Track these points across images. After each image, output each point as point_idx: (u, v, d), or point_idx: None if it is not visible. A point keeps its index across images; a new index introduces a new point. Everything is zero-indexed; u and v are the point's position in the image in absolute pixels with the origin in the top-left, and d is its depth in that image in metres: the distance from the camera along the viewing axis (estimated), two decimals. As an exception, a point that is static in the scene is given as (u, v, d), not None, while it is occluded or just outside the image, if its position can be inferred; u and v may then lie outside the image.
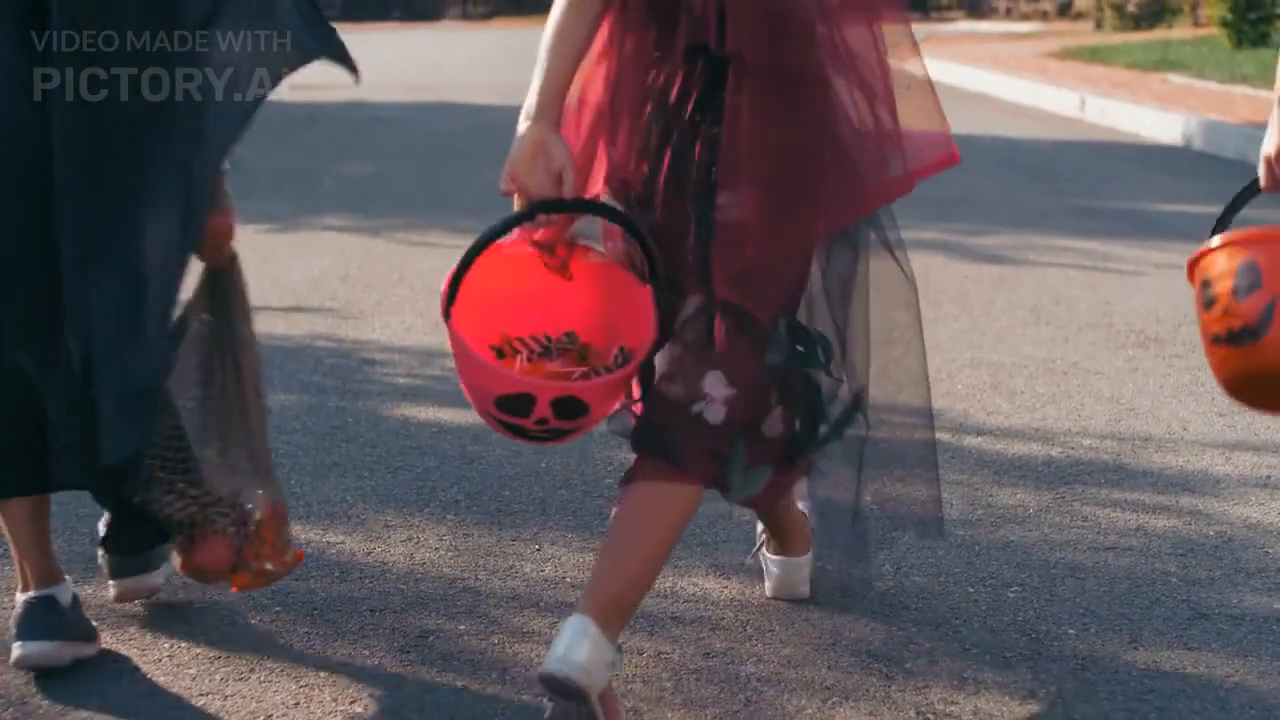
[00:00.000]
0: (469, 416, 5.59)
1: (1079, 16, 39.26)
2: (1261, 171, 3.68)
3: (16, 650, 3.60)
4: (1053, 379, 6.18)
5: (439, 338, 6.68)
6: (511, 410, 3.43)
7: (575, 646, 3.13)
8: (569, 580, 4.14)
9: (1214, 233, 3.51)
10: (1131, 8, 36.03)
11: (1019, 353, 6.59)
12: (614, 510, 3.42)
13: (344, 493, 4.81)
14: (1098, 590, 4.10)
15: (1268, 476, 5.00)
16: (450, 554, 4.33)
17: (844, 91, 3.36)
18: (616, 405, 3.57)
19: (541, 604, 4.01)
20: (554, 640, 3.16)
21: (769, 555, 4.09)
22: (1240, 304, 3.30)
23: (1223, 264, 3.38)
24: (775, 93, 3.30)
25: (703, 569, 4.22)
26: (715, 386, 3.32)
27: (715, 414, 3.32)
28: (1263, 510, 4.69)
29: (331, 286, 7.86)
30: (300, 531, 4.46)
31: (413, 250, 8.85)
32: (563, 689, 3.13)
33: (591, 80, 3.44)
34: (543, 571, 4.21)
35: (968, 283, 8.02)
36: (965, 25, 44.04)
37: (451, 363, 6.10)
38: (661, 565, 3.42)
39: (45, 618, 3.62)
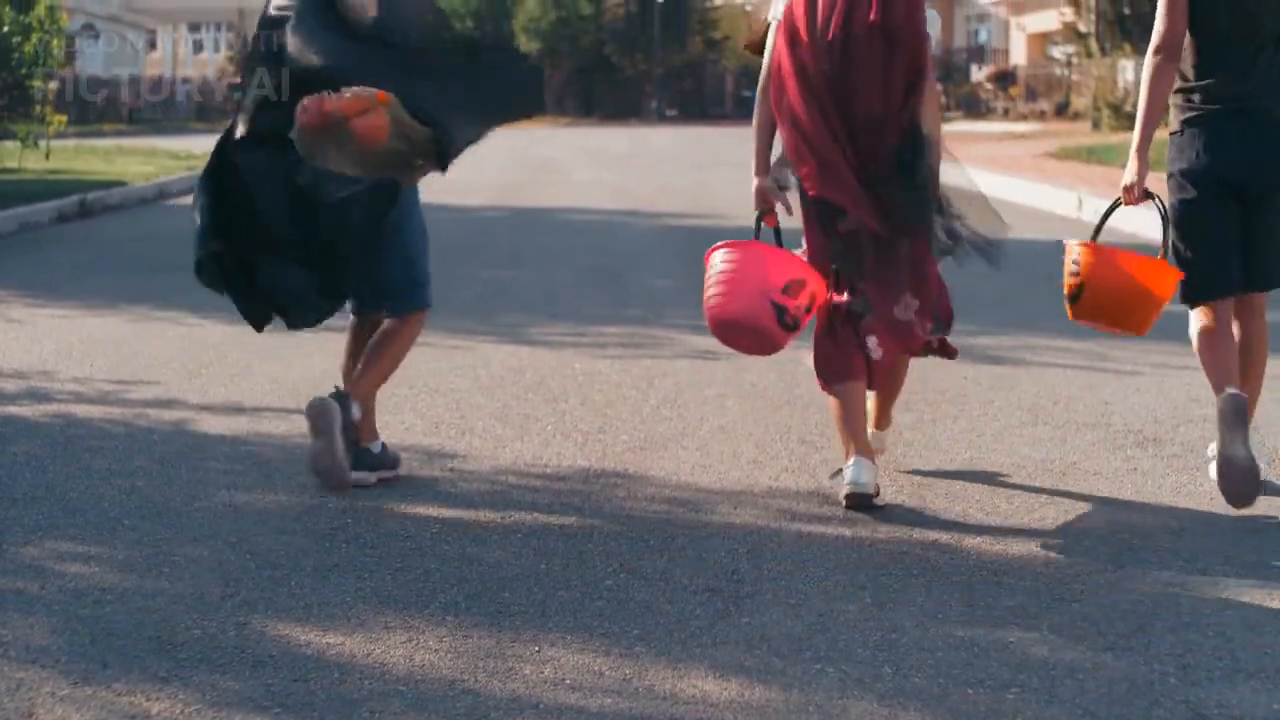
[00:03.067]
0: (469, 518, 5.62)
1: (1076, 116, 39.51)
2: (1122, 195, 6.04)
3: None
4: (1051, 479, 6.19)
5: (439, 439, 6.70)
6: (788, 292, 5.71)
7: (862, 472, 5.68)
8: (569, 682, 4.14)
9: (1093, 238, 6.19)
10: (1129, 107, 36.21)
11: (1017, 453, 6.60)
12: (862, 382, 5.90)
13: (344, 594, 4.82)
14: (1097, 691, 4.09)
15: (1266, 576, 5.01)
16: (450, 655, 4.33)
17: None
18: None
19: (541, 706, 4.01)
20: (848, 472, 5.68)
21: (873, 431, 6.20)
22: (1069, 279, 6.07)
23: (1075, 254, 6.08)
24: None
25: (702, 670, 4.22)
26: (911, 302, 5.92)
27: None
28: (1261, 611, 4.70)
29: (332, 387, 7.86)
30: (300, 633, 4.47)
31: (413, 350, 8.84)
32: (861, 501, 5.69)
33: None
34: (542, 673, 4.21)
35: (966, 383, 8.04)
36: (963, 125, 44.26)
37: (453, 463, 6.16)
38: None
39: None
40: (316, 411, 5.69)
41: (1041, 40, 57.35)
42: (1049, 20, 53.03)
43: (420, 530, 5.50)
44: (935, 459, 6.49)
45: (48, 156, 23.69)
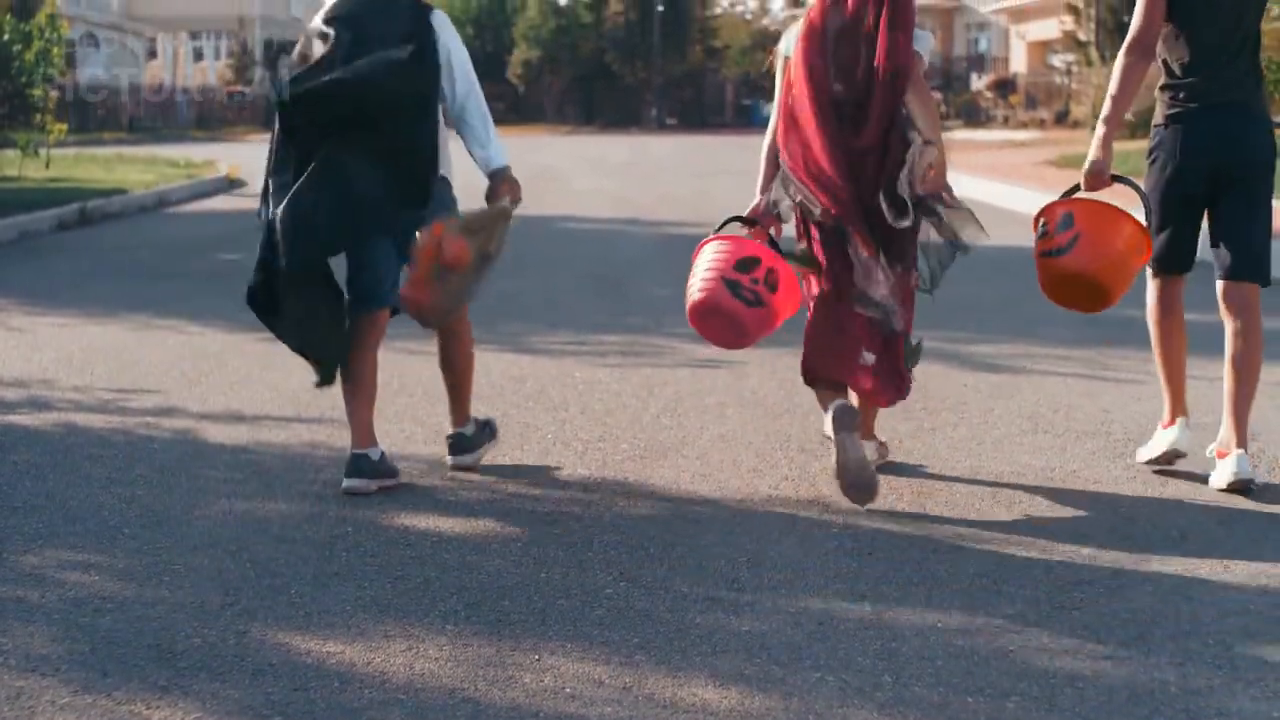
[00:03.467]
0: (469, 527, 5.62)
1: (1076, 125, 39.50)
2: (1082, 181, 6.32)
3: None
4: (1051, 487, 6.19)
5: (439, 447, 6.70)
6: (740, 268, 5.90)
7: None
8: (569, 690, 4.15)
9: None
10: (1129, 116, 36.25)
11: (1017, 461, 6.60)
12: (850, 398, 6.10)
13: (344, 602, 4.82)
14: (1097, 699, 4.09)
15: (1266, 585, 5.01)
16: (450, 664, 4.33)
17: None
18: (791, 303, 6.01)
19: (541, 714, 4.01)
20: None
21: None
22: (1057, 234, 6.15)
23: (1054, 212, 6.22)
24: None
25: (702, 678, 4.22)
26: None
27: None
28: (1261, 619, 4.70)
29: (332, 395, 7.84)
30: (300, 641, 4.47)
31: (412, 359, 8.87)
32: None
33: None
34: (542, 681, 4.21)
35: (966, 391, 8.04)
36: (963, 134, 44.25)
37: (454, 472, 6.16)
38: None
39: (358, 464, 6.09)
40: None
41: (1041, 48, 57.41)
42: (1049, 29, 53.07)
43: (420, 539, 5.50)
44: (935, 467, 6.49)
45: (48, 165, 23.72)
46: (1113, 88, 6.34)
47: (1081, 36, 41.82)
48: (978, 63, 69.54)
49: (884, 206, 5.92)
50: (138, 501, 5.95)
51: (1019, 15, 61.97)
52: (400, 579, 5.05)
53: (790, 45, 6.25)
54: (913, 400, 7.61)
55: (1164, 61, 6.33)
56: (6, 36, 22.95)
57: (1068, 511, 5.86)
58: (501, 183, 6.25)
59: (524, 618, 4.69)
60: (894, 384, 6.19)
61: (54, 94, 25.93)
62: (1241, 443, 6.11)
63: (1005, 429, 7.19)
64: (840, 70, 6.05)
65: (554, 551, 5.34)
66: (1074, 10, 42.61)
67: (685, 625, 4.62)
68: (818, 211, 6.05)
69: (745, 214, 6.25)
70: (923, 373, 8.35)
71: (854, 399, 6.16)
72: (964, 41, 75.07)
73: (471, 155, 6.28)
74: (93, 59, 62.44)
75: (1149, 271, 6.42)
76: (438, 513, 5.82)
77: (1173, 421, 6.48)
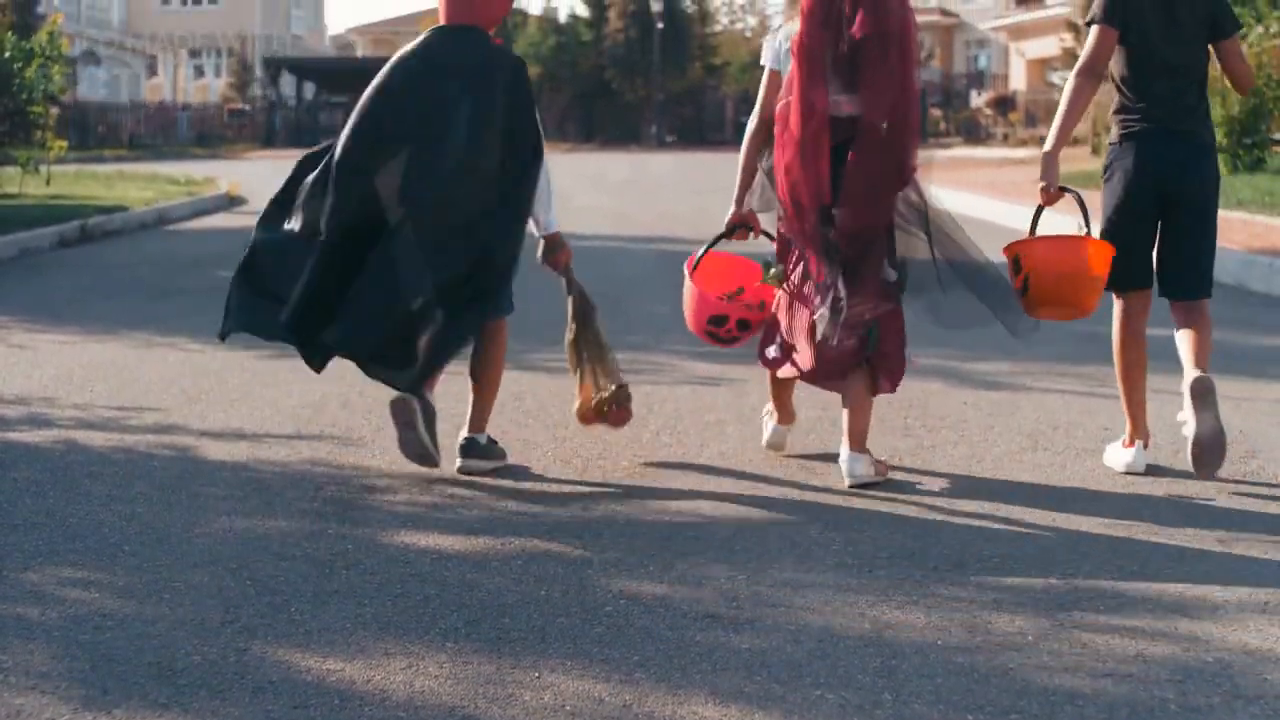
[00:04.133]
0: (469, 544, 5.62)
1: (1075, 142, 39.54)
2: (1040, 197, 6.80)
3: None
4: (1051, 505, 6.19)
5: (440, 466, 6.70)
6: (714, 324, 6.93)
7: (856, 467, 6.46)
8: (569, 708, 4.14)
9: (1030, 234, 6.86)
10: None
11: (1017, 479, 6.61)
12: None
13: (344, 620, 4.82)
14: (1097, 717, 4.09)
15: (1266, 603, 5.01)
16: (450, 682, 4.33)
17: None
18: (759, 329, 6.90)
19: (541, 732, 4.00)
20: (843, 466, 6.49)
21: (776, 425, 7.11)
22: (1014, 279, 6.63)
23: (1014, 254, 6.68)
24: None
25: (702, 696, 4.22)
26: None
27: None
28: (1261, 636, 4.70)
29: (332, 412, 7.89)
30: (300, 659, 4.47)
31: (413, 376, 8.88)
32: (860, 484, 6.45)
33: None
34: (542, 699, 4.21)
35: (966, 409, 8.05)
36: (963, 151, 44.30)
37: (453, 490, 6.18)
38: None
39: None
40: (397, 408, 6.59)
41: (1041, 66, 57.47)
42: (1049, 46, 53.16)
43: (420, 556, 5.50)
44: (935, 485, 6.50)
45: (48, 182, 23.74)
46: (1062, 107, 6.82)
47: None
48: (977, 80, 69.65)
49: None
50: (138, 519, 5.95)
51: (1019, 32, 62.07)
52: (400, 596, 5.05)
53: (774, 56, 6.61)
54: (912, 418, 7.62)
55: (1119, 87, 6.82)
56: (8, 54, 22.97)
57: (1068, 529, 5.86)
58: (560, 249, 6.92)
59: (524, 635, 4.69)
60: (886, 371, 6.58)
61: (55, 111, 25.96)
62: (1201, 365, 6.51)
63: (1005, 447, 7.20)
64: (835, 73, 6.28)
65: (554, 569, 5.34)
66: (1074, 28, 42.65)
67: (685, 643, 4.62)
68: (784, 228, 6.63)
69: (724, 228, 6.89)
70: (922, 391, 8.38)
71: (852, 398, 6.57)
72: (964, 58, 75.14)
73: (534, 217, 6.75)
74: (93, 76, 62.53)
75: (1113, 291, 6.83)
76: (437, 530, 5.82)
77: (1132, 444, 6.83)
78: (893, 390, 6.65)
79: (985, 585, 5.19)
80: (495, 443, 6.87)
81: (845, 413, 6.54)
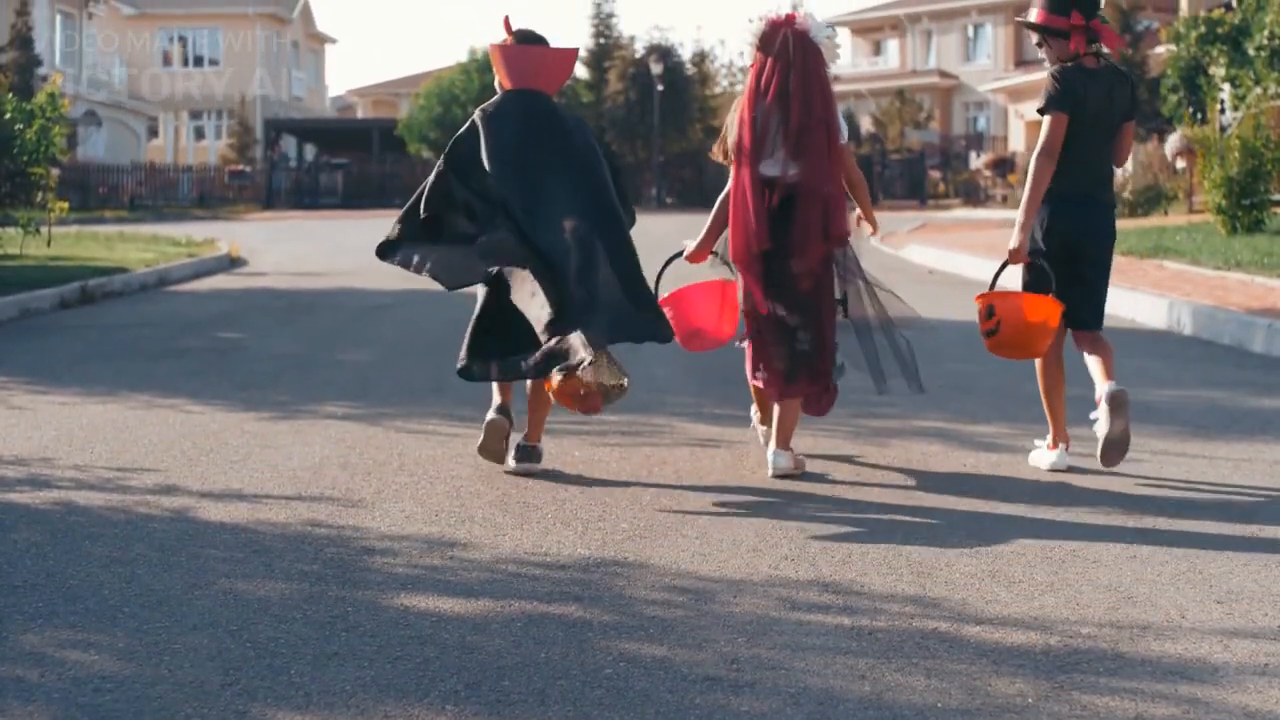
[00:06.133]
0: (468, 606, 5.62)
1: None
2: (1010, 257, 8.20)
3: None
4: (1050, 566, 6.20)
5: (439, 526, 6.71)
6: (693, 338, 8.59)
7: (779, 460, 7.91)
8: (568, 771, 4.14)
9: (990, 287, 8.42)
10: (1127, 194, 36.39)
11: (1017, 540, 6.61)
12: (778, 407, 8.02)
13: (344, 682, 4.81)
14: (1097, 780, 4.09)
15: (1266, 664, 5.01)
16: (449, 744, 4.33)
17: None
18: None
19: (541, 795, 4.00)
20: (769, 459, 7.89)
21: (776, 448, 8.05)
22: (988, 321, 8.13)
23: (984, 303, 8.21)
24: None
25: (702, 759, 4.21)
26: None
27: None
28: (1261, 698, 4.70)
29: (332, 474, 7.90)
30: (300, 722, 4.47)
31: (413, 438, 8.90)
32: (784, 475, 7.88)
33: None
34: (542, 762, 4.20)
35: (966, 470, 8.06)
36: (962, 213, 44.43)
37: (453, 551, 6.19)
38: None
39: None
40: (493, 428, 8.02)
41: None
42: (1046, 108, 53.23)
43: (420, 618, 5.50)
44: (935, 546, 6.50)
45: (49, 243, 23.82)
46: (1029, 187, 8.10)
47: (1078, 116, 42.03)
48: (976, 141, 69.93)
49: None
50: (138, 580, 5.96)
51: (1017, 94, 62.28)
52: (400, 659, 5.05)
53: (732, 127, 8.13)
54: (912, 479, 7.63)
55: None
56: (8, 115, 23.06)
57: (1067, 590, 5.86)
58: None
59: (523, 698, 4.69)
60: (827, 396, 8.23)
61: (55, 173, 26.05)
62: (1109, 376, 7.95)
63: (1004, 508, 7.20)
64: (775, 131, 7.95)
65: (553, 631, 5.34)
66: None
67: (685, 705, 4.62)
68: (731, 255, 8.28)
69: (685, 255, 8.70)
70: (922, 453, 8.40)
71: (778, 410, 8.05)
72: (962, 120, 75.43)
73: None
74: (94, 137, 62.72)
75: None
76: (437, 592, 5.82)
77: (1055, 446, 8.23)
78: (825, 413, 8.33)
79: (984, 647, 5.19)
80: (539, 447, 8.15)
81: (777, 415, 8.00)
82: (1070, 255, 8.08)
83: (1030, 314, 8.04)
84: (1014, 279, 8.48)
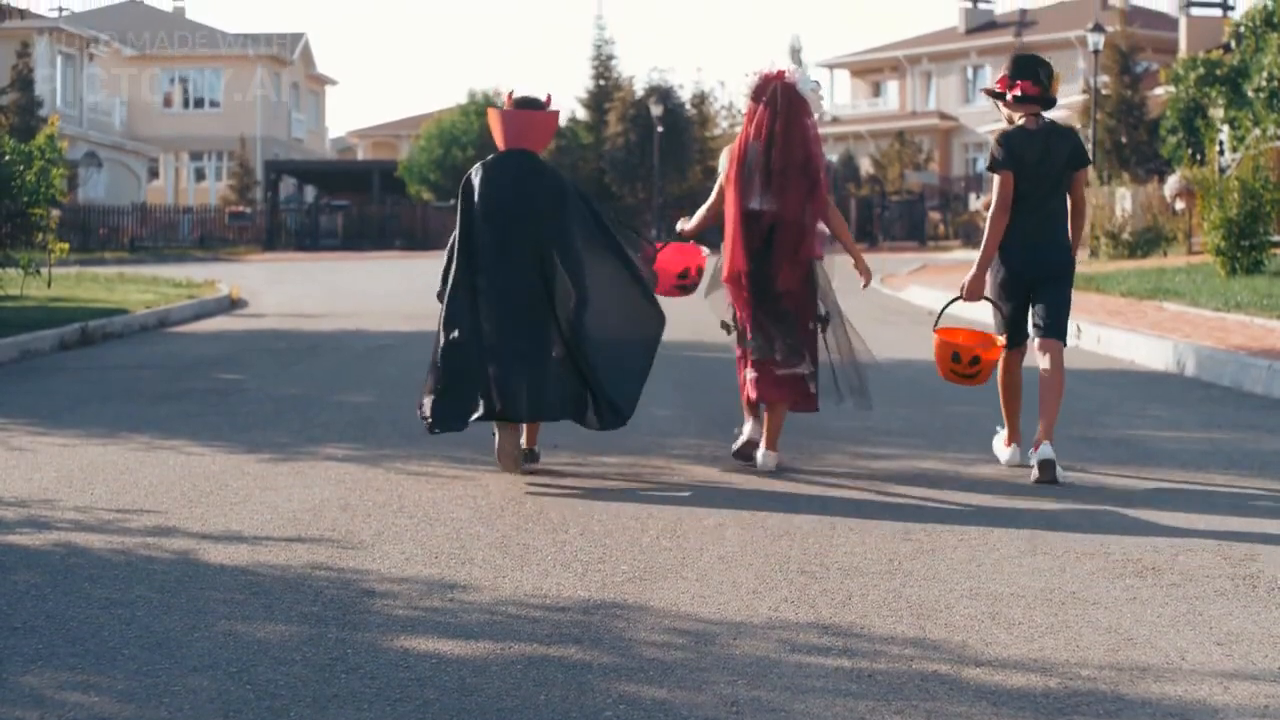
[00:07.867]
0: (469, 648, 5.62)
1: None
2: (963, 295, 9.58)
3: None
4: (1050, 609, 6.20)
5: (439, 568, 6.71)
6: (684, 276, 10.05)
7: (767, 460, 9.38)
8: (568, 813, 4.14)
9: (935, 324, 9.81)
10: (1127, 236, 36.47)
11: (1016, 583, 6.61)
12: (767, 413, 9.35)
13: (343, 725, 4.81)
14: (1097, 823, 4.09)
15: (1266, 706, 5.01)
16: (449, 787, 4.32)
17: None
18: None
19: (540, 838, 4.00)
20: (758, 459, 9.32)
21: (765, 449, 9.45)
22: (971, 366, 9.46)
23: (939, 340, 9.59)
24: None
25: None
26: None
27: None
28: (1261, 741, 4.70)
29: (332, 516, 7.90)
30: (299, 764, 4.46)
31: (413, 480, 8.90)
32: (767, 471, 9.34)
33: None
34: (542, 805, 4.20)
35: (965, 512, 8.06)
36: (961, 254, 44.48)
37: (452, 593, 6.19)
38: None
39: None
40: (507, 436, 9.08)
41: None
42: (1046, 149, 53.30)
43: (419, 661, 5.50)
44: (935, 588, 6.50)
45: (49, 284, 23.84)
46: (987, 238, 9.40)
47: (1078, 157, 42.13)
48: (976, 183, 69.98)
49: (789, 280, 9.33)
50: (137, 622, 5.96)
51: (1016, 136, 62.30)
52: (399, 701, 5.05)
53: (724, 163, 9.54)
54: (912, 521, 7.62)
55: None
56: (7, 157, 23.10)
57: (1067, 633, 5.86)
58: None
59: (523, 740, 4.69)
60: (810, 397, 9.48)
61: (55, 214, 26.08)
62: (1048, 437, 9.05)
63: (1004, 550, 7.21)
64: (760, 170, 9.31)
65: (553, 673, 5.34)
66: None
67: (685, 748, 4.61)
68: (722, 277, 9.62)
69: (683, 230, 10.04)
70: (922, 495, 8.40)
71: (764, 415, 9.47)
72: (962, 161, 75.59)
73: None
74: (95, 178, 62.86)
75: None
76: (437, 635, 5.82)
77: (1010, 444, 9.63)
78: (814, 409, 9.54)
79: (984, 689, 5.18)
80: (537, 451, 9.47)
81: (767, 420, 9.37)
82: (1026, 286, 9.41)
83: (994, 354, 9.53)
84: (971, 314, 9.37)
